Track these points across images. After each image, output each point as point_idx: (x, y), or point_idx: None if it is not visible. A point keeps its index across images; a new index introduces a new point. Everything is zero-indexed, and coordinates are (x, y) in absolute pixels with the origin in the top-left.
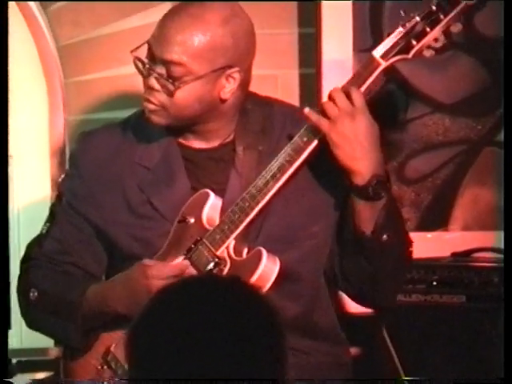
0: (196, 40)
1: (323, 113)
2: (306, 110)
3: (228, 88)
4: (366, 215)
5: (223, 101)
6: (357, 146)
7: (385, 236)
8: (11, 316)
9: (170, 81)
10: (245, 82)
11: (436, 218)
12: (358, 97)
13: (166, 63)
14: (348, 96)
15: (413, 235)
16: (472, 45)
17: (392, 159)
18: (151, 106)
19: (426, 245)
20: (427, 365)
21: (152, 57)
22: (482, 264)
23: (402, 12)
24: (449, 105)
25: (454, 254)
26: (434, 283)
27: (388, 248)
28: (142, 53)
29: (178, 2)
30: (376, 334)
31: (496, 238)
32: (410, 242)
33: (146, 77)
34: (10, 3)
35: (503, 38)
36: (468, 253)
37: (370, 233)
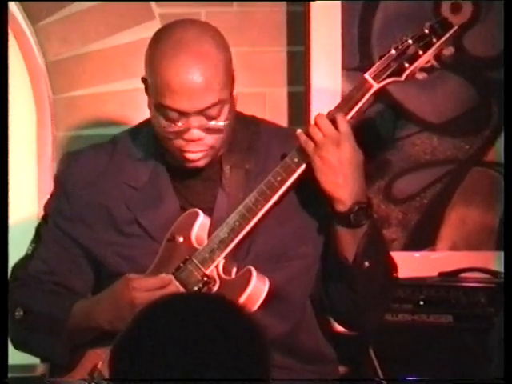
0: (216, 75)
1: (310, 137)
2: (298, 131)
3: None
4: (348, 242)
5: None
6: (339, 172)
7: (366, 263)
8: None
9: (214, 122)
10: None
11: (423, 238)
12: (343, 123)
13: (203, 111)
14: (334, 121)
15: (400, 255)
16: (460, 65)
17: (379, 178)
18: (198, 155)
19: (413, 264)
20: None
21: (179, 113)
22: (469, 284)
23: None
24: (437, 124)
25: (441, 274)
26: (421, 303)
27: (370, 275)
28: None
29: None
30: (362, 354)
31: (483, 258)
32: (394, 267)
33: (182, 134)
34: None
35: (503, 39)
36: (455, 273)
37: (352, 260)
